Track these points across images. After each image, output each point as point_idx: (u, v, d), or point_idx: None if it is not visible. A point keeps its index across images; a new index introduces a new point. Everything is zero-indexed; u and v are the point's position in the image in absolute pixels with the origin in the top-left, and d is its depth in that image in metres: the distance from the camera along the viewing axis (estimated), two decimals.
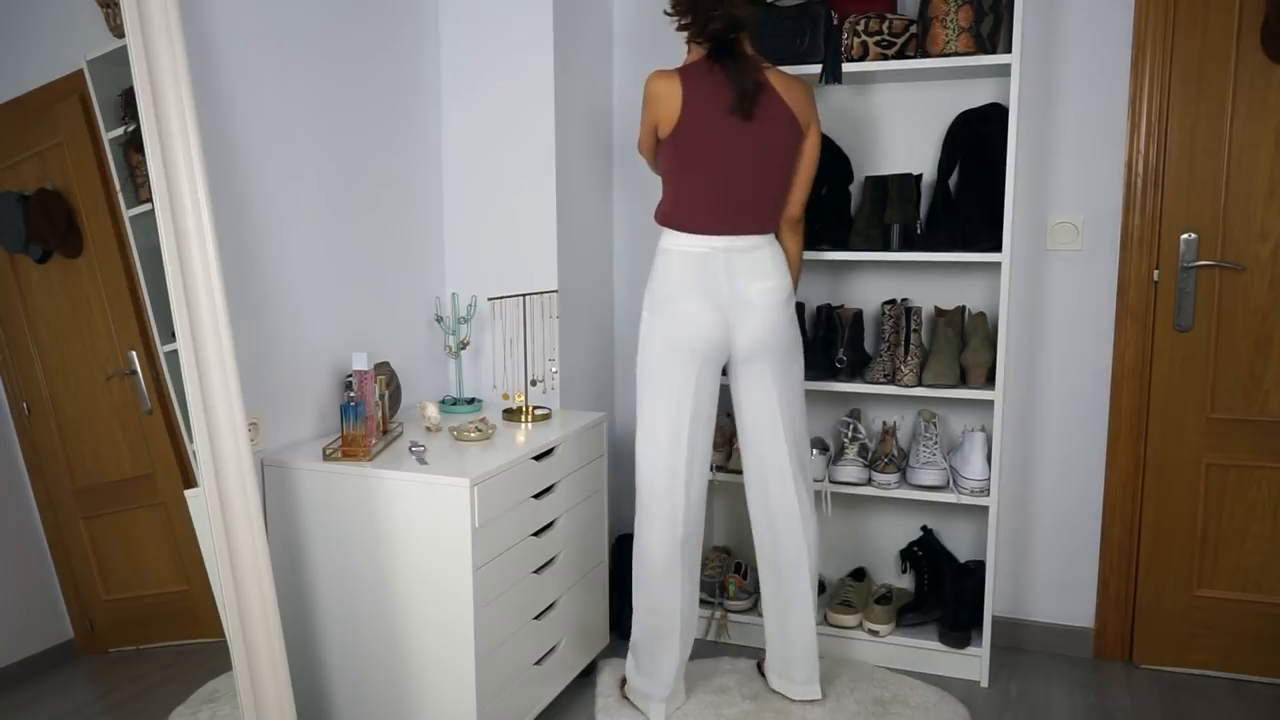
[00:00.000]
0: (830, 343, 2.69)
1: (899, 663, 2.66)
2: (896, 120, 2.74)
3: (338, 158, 2.32)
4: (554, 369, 2.68)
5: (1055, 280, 2.68)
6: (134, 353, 1.77)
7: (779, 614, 2.42)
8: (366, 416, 2.09)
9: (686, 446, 2.26)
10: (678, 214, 2.24)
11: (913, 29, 2.52)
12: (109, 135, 1.72)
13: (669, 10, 2.24)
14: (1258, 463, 2.55)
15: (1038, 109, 2.63)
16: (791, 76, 2.28)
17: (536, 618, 2.23)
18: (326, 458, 2.06)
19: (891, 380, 2.60)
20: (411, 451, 2.09)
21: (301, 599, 2.10)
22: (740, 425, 2.37)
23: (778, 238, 2.34)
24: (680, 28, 2.23)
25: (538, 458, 2.20)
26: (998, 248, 2.46)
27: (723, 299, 2.22)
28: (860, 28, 2.53)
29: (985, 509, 2.75)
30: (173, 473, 1.80)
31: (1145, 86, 2.52)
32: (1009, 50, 2.41)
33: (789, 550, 2.36)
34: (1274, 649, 2.58)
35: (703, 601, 2.86)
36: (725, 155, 2.19)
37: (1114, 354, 2.64)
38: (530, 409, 2.49)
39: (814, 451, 2.67)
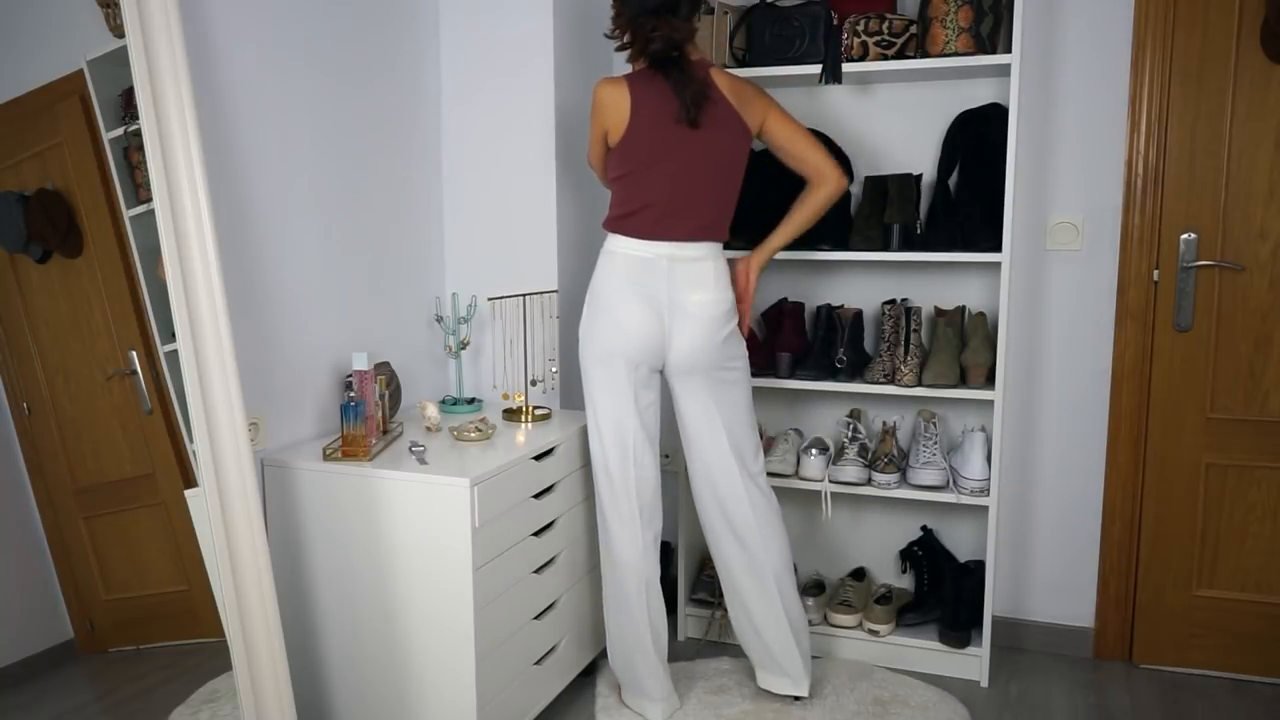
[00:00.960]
0: (830, 343, 2.69)
1: (899, 663, 2.66)
2: (896, 120, 2.74)
3: (338, 157, 2.32)
4: (554, 369, 2.68)
5: (1055, 280, 2.68)
6: (134, 353, 1.77)
7: (750, 616, 2.40)
8: (366, 416, 2.09)
9: (632, 448, 2.26)
10: (624, 220, 2.24)
11: (913, 29, 2.52)
12: (109, 135, 1.72)
13: (608, 34, 2.25)
14: (1257, 463, 2.55)
15: (1038, 109, 2.63)
16: (739, 78, 2.28)
17: (536, 618, 2.23)
18: (326, 458, 2.06)
19: (891, 380, 2.60)
20: (411, 451, 2.09)
21: (301, 599, 2.10)
22: (683, 435, 2.37)
23: (727, 246, 2.36)
24: (620, 48, 2.24)
25: (538, 458, 2.20)
26: (998, 248, 2.46)
27: (661, 304, 2.22)
28: (860, 28, 2.53)
29: (985, 509, 2.75)
30: (173, 473, 1.80)
31: (1145, 86, 2.52)
32: (1009, 50, 2.41)
33: (753, 560, 2.35)
34: (1274, 649, 2.58)
35: (702, 602, 2.86)
36: (672, 162, 2.19)
37: (1114, 354, 2.64)
38: (530, 409, 2.49)
39: (814, 451, 2.67)
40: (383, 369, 2.35)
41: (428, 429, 2.35)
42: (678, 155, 2.19)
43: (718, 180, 2.24)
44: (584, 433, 2.42)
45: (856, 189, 2.78)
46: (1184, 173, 2.53)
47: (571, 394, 2.79)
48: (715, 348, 2.26)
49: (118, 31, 1.70)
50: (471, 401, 2.64)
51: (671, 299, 2.22)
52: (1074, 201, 2.63)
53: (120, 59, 1.69)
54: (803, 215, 2.34)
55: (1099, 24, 2.55)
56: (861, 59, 2.54)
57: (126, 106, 1.72)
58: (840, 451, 2.69)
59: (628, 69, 2.25)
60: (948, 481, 2.61)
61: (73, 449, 1.73)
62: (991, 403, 2.64)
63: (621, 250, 2.24)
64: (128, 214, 1.74)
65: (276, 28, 2.11)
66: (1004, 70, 2.50)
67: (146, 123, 1.68)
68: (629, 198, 2.23)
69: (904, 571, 2.85)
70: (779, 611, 2.36)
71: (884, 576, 2.93)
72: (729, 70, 2.38)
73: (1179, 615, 2.66)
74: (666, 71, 2.18)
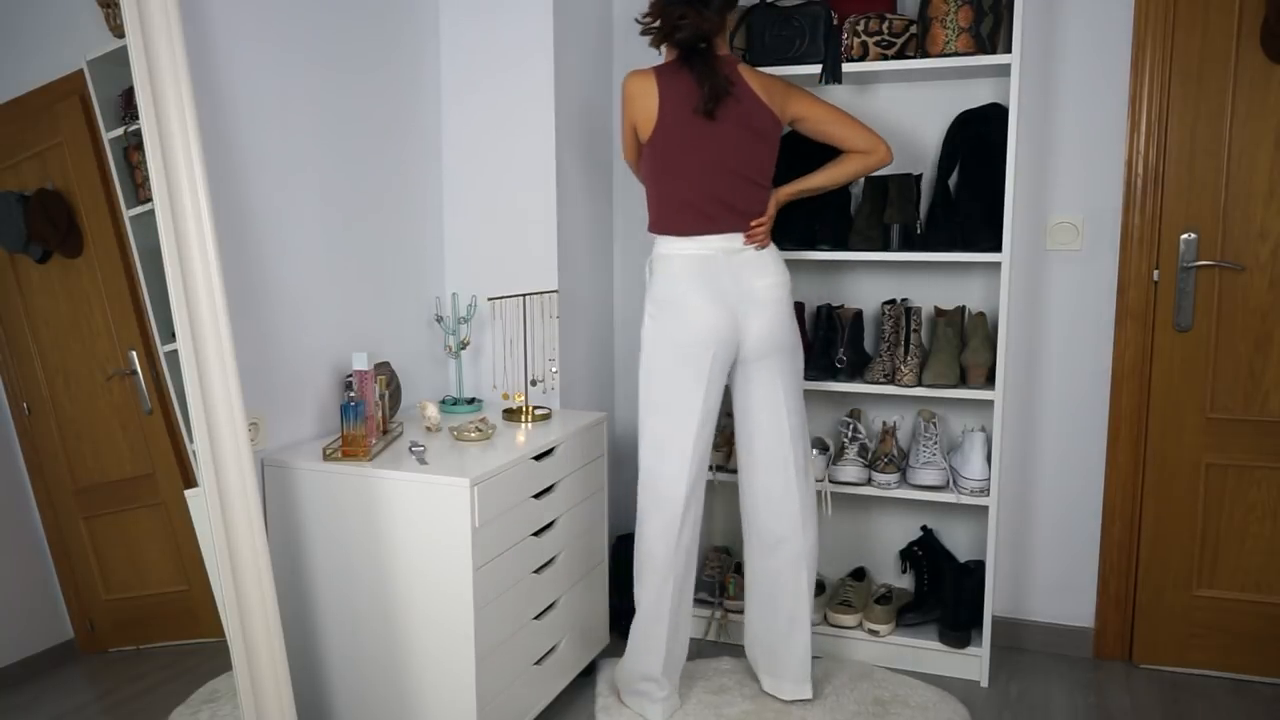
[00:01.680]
0: (830, 343, 2.69)
1: (899, 663, 2.66)
2: (896, 120, 2.74)
3: (338, 157, 2.32)
4: (554, 369, 2.68)
5: (1055, 280, 2.68)
6: (134, 353, 1.77)
7: (775, 615, 2.41)
8: (366, 416, 2.09)
9: (692, 451, 2.26)
10: (669, 219, 2.25)
11: (913, 29, 2.52)
12: (109, 135, 1.72)
13: (639, 18, 2.25)
14: (1257, 463, 2.55)
15: (1038, 109, 2.63)
16: (768, 74, 2.30)
17: (536, 618, 2.23)
18: (326, 458, 2.06)
19: (891, 380, 2.60)
20: (411, 451, 2.09)
21: (301, 599, 2.10)
22: (745, 425, 2.37)
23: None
24: (645, 31, 2.23)
25: (538, 458, 2.20)
26: (997, 248, 2.46)
27: (730, 298, 2.23)
28: (860, 28, 2.53)
29: (985, 509, 2.75)
30: (173, 473, 1.80)
31: (1145, 86, 2.52)
32: (1009, 50, 2.41)
33: (790, 549, 2.36)
34: (1274, 649, 2.58)
35: (702, 601, 2.86)
36: (705, 155, 2.20)
37: (1114, 354, 2.64)
38: (530, 409, 2.49)
39: (814, 451, 2.67)
40: (383, 369, 2.35)
41: (428, 429, 2.35)
42: (708, 149, 2.19)
43: (750, 172, 2.24)
44: (584, 433, 2.42)
45: (857, 189, 2.78)
46: (1184, 173, 2.53)
47: (571, 394, 2.79)
48: (787, 328, 2.29)
49: (118, 31, 1.70)
50: (471, 401, 2.64)
51: (739, 289, 2.23)
52: (1074, 201, 2.63)
53: (120, 59, 1.69)
54: (842, 170, 2.35)
55: (1099, 24, 2.55)
56: (861, 59, 2.54)
57: (126, 106, 1.72)
58: (840, 451, 2.69)
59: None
60: (948, 481, 2.61)
61: (73, 449, 1.72)
62: (991, 403, 2.64)
63: (677, 252, 2.24)
64: (128, 214, 1.74)
65: (276, 27, 2.11)
66: (1004, 70, 2.50)
67: (146, 123, 1.68)
68: (668, 196, 2.24)
69: (904, 571, 2.85)
70: (807, 613, 2.39)
71: (884, 576, 2.93)
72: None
73: (1179, 615, 2.66)
74: (692, 64, 2.18)
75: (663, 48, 2.27)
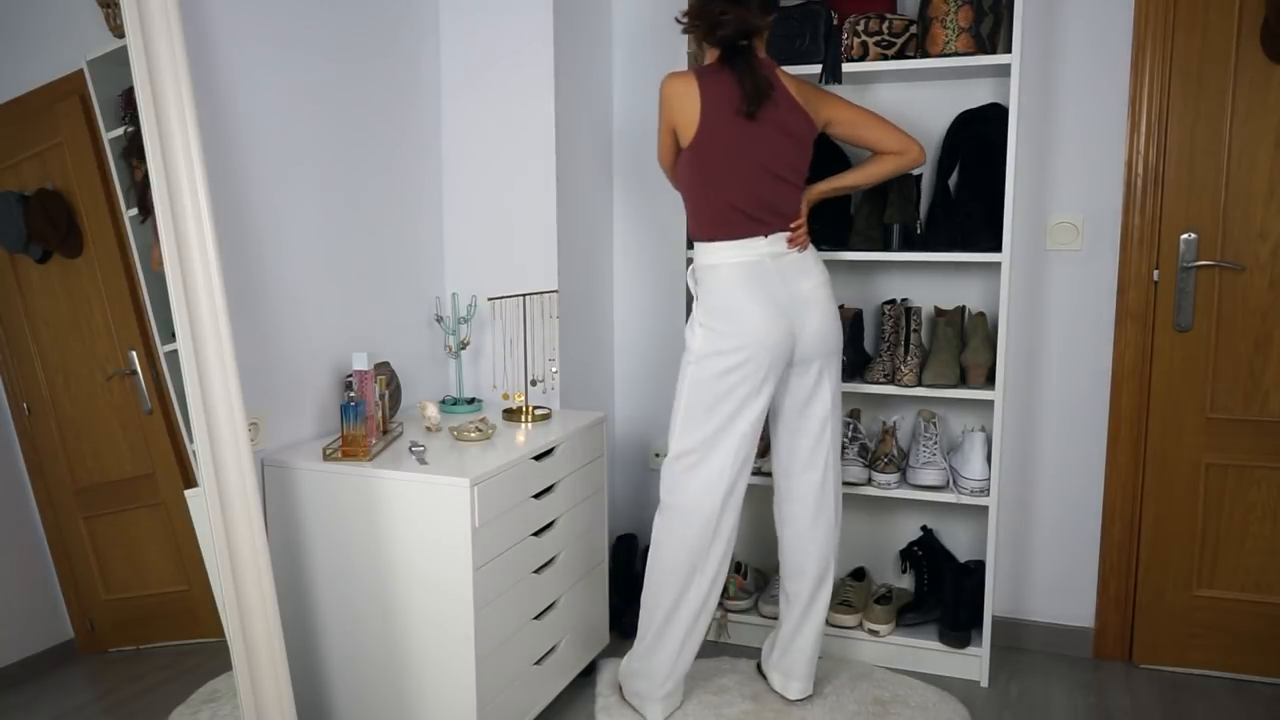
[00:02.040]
0: None
1: (899, 663, 2.66)
2: (897, 120, 2.73)
3: (338, 157, 2.32)
4: (554, 369, 2.68)
5: (1055, 280, 2.68)
6: (134, 353, 1.77)
7: (801, 616, 2.41)
8: (366, 416, 2.09)
9: (734, 458, 2.22)
10: (715, 224, 2.22)
11: (913, 29, 2.52)
12: (109, 135, 1.72)
13: (679, 17, 2.23)
14: (1257, 463, 2.55)
15: (1038, 109, 2.63)
16: (802, 79, 2.31)
17: (536, 618, 2.23)
18: (326, 458, 2.06)
19: (891, 380, 2.60)
20: (411, 451, 2.09)
21: (301, 599, 2.10)
22: (789, 427, 2.35)
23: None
24: (687, 30, 2.22)
25: (538, 458, 2.20)
26: (997, 248, 2.46)
27: (783, 301, 2.21)
28: (860, 28, 2.53)
29: (985, 509, 2.75)
30: (173, 473, 1.80)
31: (1145, 86, 2.52)
32: (1009, 50, 2.41)
33: (819, 548, 2.37)
34: (1274, 649, 2.58)
35: None
36: (748, 158, 2.19)
37: (1114, 354, 2.64)
38: (530, 409, 2.49)
39: None
40: (383, 369, 2.35)
41: (428, 429, 2.35)
42: (751, 151, 2.19)
43: (789, 175, 2.24)
44: (584, 433, 2.42)
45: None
46: (1184, 173, 2.53)
47: (571, 394, 2.79)
48: (835, 328, 2.29)
49: (118, 31, 1.70)
50: (471, 401, 2.64)
51: (790, 292, 2.22)
52: (1074, 201, 2.63)
53: (120, 59, 1.69)
54: (875, 170, 2.35)
55: (1099, 24, 2.55)
56: (862, 59, 2.54)
57: (126, 106, 1.72)
58: (840, 451, 2.69)
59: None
60: (948, 481, 2.61)
61: (73, 449, 1.73)
62: (991, 403, 2.64)
63: (726, 260, 2.22)
64: (128, 214, 1.74)
65: (276, 27, 2.11)
66: (1004, 70, 2.50)
67: (146, 123, 1.68)
68: (713, 200, 2.22)
69: (904, 571, 2.85)
70: (822, 606, 2.41)
71: (884, 576, 2.93)
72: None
73: (1179, 615, 2.66)
74: (733, 64, 2.16)
75: (703, 46, 2.27)
